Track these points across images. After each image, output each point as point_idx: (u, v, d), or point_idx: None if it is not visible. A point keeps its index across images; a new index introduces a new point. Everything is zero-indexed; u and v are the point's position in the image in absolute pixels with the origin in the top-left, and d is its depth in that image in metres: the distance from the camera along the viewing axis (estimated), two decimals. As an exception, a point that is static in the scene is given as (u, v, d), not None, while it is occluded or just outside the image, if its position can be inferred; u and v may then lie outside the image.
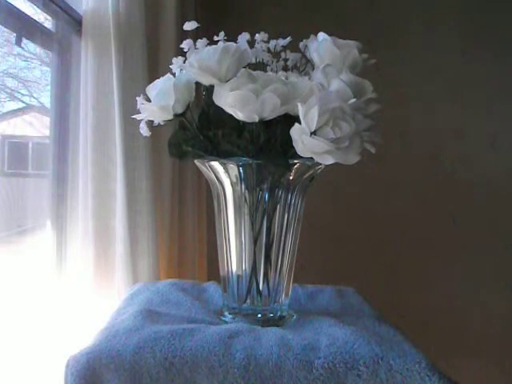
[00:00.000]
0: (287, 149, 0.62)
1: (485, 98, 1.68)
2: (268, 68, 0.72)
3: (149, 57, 1.04)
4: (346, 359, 0.57)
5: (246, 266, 0.71)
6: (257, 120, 0.61)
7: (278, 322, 0.70)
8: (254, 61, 0.71)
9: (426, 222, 1.68)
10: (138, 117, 0.70)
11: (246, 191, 0.69)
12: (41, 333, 0.92)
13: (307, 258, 1.40)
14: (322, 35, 0.67)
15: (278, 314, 0.72)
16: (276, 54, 0.73)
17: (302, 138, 0.59)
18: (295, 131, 0.59)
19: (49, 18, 0.99)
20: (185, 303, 0.76)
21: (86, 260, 1.00)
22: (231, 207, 0.70)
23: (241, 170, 0.67)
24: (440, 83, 1.67)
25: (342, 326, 0.66)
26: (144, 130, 0.72)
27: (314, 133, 0.58)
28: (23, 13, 0.88)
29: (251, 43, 0.70)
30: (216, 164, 0.68)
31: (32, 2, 0.90)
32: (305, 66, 0.72)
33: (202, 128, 0.67)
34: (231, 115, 0.62)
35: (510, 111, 1.69)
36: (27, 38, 0.91)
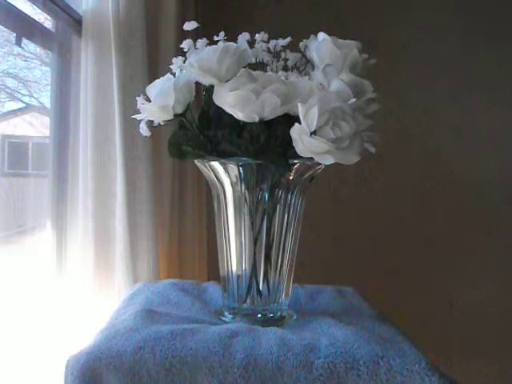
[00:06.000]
0: (287, 149, 0.62)
1: (485, 98, 1.68)
2: (268, 68, 0.72)
3: (149, 57, 1.04)
4: (346, 359, 0.57)
5: (246, 265, 0.71)
6: (257, 120, 0.61)
7: (277, 322, 0.70)
8: (254, 61, 0.71)
9: (426, 221, 1.68)
10: (138, 117, 0.70)
11: (246, 191, 0.69)
12: (41, 333, 0.92)
13: (307, 258, 1.41)
14: (322, 35, 0.67)
15: (278, 314, 0.72)
16: (276, 54, 0.73)
17: (301, 138, 0.59)
18: (295, 131, 0.59)
19: (49, 17, 0.99)
20: (185, 303, 0.76)
21: (85, 260, 1.00)
22: (231, 207, 0.70)
23: (241, 170, 0.67)
24: (440, 83, 1.67)
25: (341, 326, 0.66)
26: (144, 130, 0.72)
27: (314, 133, 0.58)
28: (23, 13, 0.88)
29: (251, 43, 0.70)
30: (216, 164, 0.68)
31: (32, 2, 0.90)
32: (305, 66, 0.72)
33: (202, 128, 0.67)
34: (231, 115, 0.62)
35: (511, 110, 1.69)
36: (27, 38, 0.91)
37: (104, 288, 1.00)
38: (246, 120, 0.61)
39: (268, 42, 0.72)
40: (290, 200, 0.70)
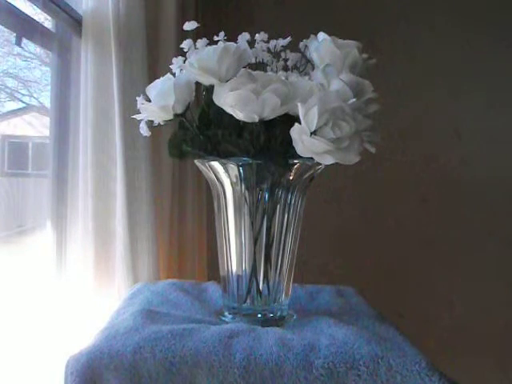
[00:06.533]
0: (287, 149, 0.62)
1: (485, 98, 1.68)
2: (268, 68, 0.72)
3: (149, 57, 1.04)
4: (346, 359, 0.57)
5: (246, 265, 0.71)
6: (257, 120, 0.61)
7: (278, 322, 0.70)
8: (254, 61, 0.71)
9: (426, 221, 1.68)
10: (138, 117, 0.70)
11: (246, 191, 0.69)
12: (41, 333, 0.92)
13: (307, 258, 1.41)
14: (322, 35, 0.67)
15: (278, 313, 0.72)
16: (276, 54, 0.73)
17: (301, 138, 0.59)
18: (295, 131, 0.59)
19: (49, 18, 0.99)
20: (185, 303, 0.76)
21: (85, 260, 1.00)
22: (231, 207, 0.70)
23: (241, 170, 0.67)
24: (440, 83, 1.67)
25: (341, 326, 0.66)
26: (144, 130, 0.72)
27: (313, 133, 0.58)
28: (23, 13, 0.88)
29: (251, 43, 0.70)
30: (216, 164, 0.68)
31: (32, 2, 0.90)
32: (305, 66, 0.72)
33: (201, 128, 0.67)
34: (231, 115, 0.62)
35: (511, 111, 1.69)
36: (27, 38, 0.91)
37: (104, 288, 1.00)
38: (245, 120, 0.61)
39: (268, 41, 0.72)
40: (290, 200, 0.70)
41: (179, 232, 1.26)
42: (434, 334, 1.63)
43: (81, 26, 1.00)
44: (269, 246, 0.70)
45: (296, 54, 0.72)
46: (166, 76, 0.67)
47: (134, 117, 0.71)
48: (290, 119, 0.61)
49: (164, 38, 1.15)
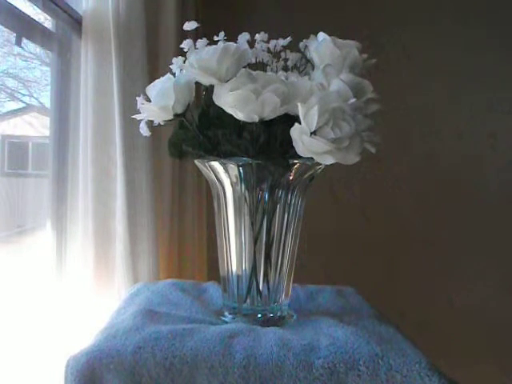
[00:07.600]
0: (287, 149, 0.62)
1: (485, 98, 1.68)
2: (268, 68, 0.72)
3: (149, 57, 1.04)
4: (345, 359, 0.57)
5: (246, 265, 0.71)
6: (257, 120, 0.61)
7: (277, 322, 0.70)
8: (254, 61, 0.71)
9: (426, 221, 1.68)
10: (137, 117, 0.70)
11: (246, 191, 0.69)
12: (41, 333, 0.92)
13: (308, 258, 1.41)
14: (322, 35, 0.67)
15: (278, 314, 0.72)
16: (276, 54, 0.73)
17: (301, 138, 0.59)
18: (295, 131, 0.59)
19: (49, 18, 0.99)
20: (185, 303, 0.76)
21: (85, 260, 1.00)
22: (231, 207, 0.70)
23: (241, 170, 0.67)
24: (440, 83, 1.67)
25: (342, 326, 0.66)
26: (144, 130, 0.72)
27: (314, 133, 0.58)
28: (23, 13, 0.88)
29: (251, 43, 0.70)
30: (216, 164, 0.68)
31: (32, 2, 0.90)
32: (305, 66, 0.72)
33: (201, 128, 0.67)
34: (231, 115, 0.62)
35: (511, 111, 1.69)
36: (27, 38, 0.91)
37: (104, 288, 1.00)
38: (245, 120, 0.61)
39: (268, 41, 0.72)
40: (290, 200, 0.70)
41: (179, 232, 1.26)
42: (434, 333, 1.63)
43: (81, 26, 1.00)
44: (269, 246, 0.70)
45: (296, 54, 0.72)
46: (165, 76, 0.67)
47: (134, 117, 0.71)
48: (290, 119, 0.61)
49: (164, 38, 1.15)
